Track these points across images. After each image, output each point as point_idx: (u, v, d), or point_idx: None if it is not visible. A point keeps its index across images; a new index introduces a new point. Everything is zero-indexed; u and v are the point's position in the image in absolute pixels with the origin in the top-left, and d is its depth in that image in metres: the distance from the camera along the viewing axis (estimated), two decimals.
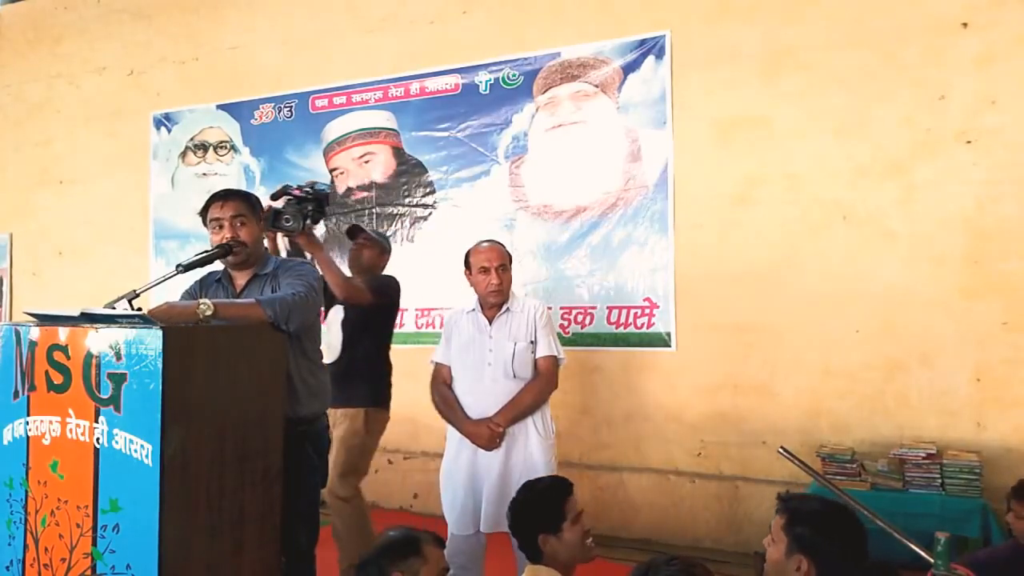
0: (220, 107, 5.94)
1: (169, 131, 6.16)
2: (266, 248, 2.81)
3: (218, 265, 2.70)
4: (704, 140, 4.43)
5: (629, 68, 4.60)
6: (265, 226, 2.80)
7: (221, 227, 2.59)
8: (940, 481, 3.57)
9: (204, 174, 6.03)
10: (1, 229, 6.89)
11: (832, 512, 1.83)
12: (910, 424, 3.93)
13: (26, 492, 2.12)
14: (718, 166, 4.39)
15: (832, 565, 1.69)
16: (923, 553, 1.78)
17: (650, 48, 4.55)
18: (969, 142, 3.89)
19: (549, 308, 3.40)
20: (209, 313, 2.24)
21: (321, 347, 2.82)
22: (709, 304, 4.37)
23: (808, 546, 1.71)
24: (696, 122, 4.44)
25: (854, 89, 4.10)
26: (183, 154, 6.11)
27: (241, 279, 2.67)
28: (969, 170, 3.88)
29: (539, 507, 2.30)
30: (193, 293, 2.71)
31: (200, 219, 2.70)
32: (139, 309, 2.19)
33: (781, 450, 2.20)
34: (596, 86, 4.70)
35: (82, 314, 2.11)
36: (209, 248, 2.61)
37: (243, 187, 5.50)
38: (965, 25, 3.90)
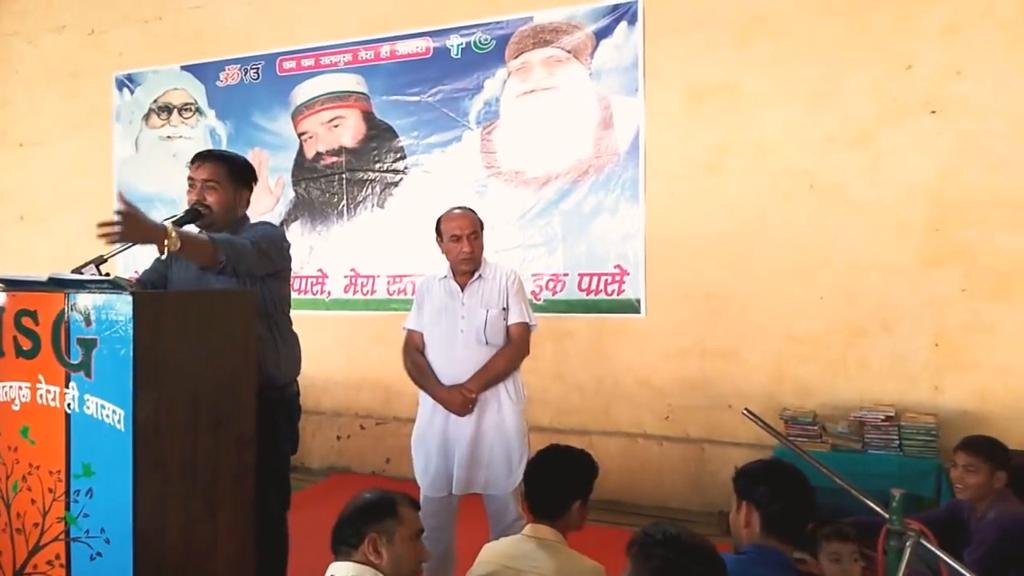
0: (184, 68, 5.80)
1: (132, 92, 6.01)
2: (244, 214, 2.75)
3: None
4: (675, 107, 4.44)
5: (601, 34, 4.58)
6: None
7: (193, 187, 2.58)
8: (898, 443, 3.69)
9: (168, 137, 5.91)
10: None
11: (770, 465, 1.98)
12: (870, 388, 4.05)
13: None
14: (689, 134, 4.42)
15: (775, 511, 1.79)
16: (878, 509, 1.84)
17: (623, 14, 4.53)
18: (934, 112, 3.95)
19: (521, 275, 3.41)
20: (176, 249, 2.20)
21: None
22: (678, 271, 4.42)
23: (746, 493, 1.86)
24: (667, 89, 4.45)
25: (825, 57, 4.13)
26: (147, 116, 5.98)
27: None
28: (933, 139, 3.95)
29: (589, 475, 2.36)
30: (165, 259, 2.68)
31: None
32: (107, 274, 2.16)
33: (746, 412, 2.25)
34: (568, 51, 4.68)
35: (50, 279, 2.08)
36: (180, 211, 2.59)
37: None
38: None
